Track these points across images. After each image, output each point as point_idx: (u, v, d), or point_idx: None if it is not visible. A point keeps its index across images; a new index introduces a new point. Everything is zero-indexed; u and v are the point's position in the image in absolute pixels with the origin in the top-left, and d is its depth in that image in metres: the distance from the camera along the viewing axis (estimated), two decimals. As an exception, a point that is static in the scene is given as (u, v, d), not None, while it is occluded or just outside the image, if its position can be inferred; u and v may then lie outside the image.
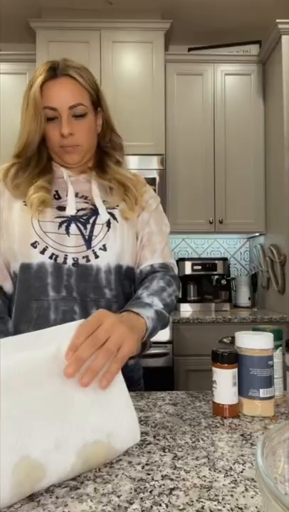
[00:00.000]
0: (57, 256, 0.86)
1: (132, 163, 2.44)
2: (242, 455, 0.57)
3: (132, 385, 0.96)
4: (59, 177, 0.96)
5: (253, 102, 2.64)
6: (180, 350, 2.22)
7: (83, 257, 0.87)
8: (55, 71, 0.88)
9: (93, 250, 0.88)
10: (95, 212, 0.91)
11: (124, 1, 2.54)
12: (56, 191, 0.94)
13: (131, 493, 0.48)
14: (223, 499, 0.46)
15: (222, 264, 2.63)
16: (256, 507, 0.45)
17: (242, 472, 0.52)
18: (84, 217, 0.90)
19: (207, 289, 2.63)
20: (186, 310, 2.57)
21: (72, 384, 0.53)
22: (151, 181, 2.44)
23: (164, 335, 2.17)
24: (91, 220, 0.90)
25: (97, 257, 0.88)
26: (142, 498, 0.46)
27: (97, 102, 0.94)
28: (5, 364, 0.48)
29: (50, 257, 0.86)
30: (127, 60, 2.54)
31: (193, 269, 2.60)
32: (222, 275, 2.61)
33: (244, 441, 0.62)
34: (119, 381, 0.58)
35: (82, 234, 0.88)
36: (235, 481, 0.50)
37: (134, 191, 0.96)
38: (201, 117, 2.62)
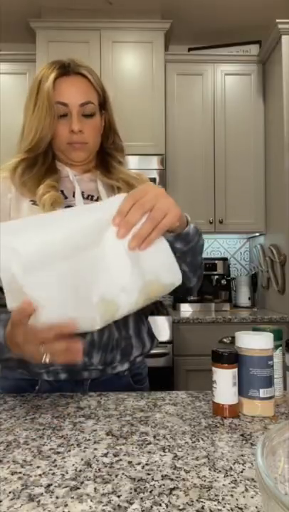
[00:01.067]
0: None
1: (132, 163, 2.44)
2: (242, 455, 0.57)
3: (140, 382, 0.97)
4: (64, 176, 0.96)
5: (253, 102, 2.64)
6: (180, 350, 2.22)
7: None
8: (66, 68, 0.90)
9: None
10: None
11: (124, 1, 2.54)
12: (62, 191, 0.94)
13: (131, 493, 0.48)
14: (223, 499, 0.46)
15: (222, 264, 2.63)
16: (256, 507, 0.45)
17: (242, 472, 0.52)
18: None
19: (207, 289, 2.63)
20: (186, 310, 2.57)
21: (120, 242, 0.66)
22: (151, 181, 2.44)
23: (164, 335, 2.17)
24: None
25: None
26: (142, 498, 0.46)
27: (103, 103, 0.96)
28: (62, 236, 0.61)
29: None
30: (127, 60, 2.54)
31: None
32: (222, 275, 2.61)
33: (244, 441, 0.62)
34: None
35: None
36: (235, 481, 0.50)
37: None
38: (201, 117, 2.62)
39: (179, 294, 0.98)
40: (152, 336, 0.99)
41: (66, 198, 0.92)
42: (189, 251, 0.83)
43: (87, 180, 0.97)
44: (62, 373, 0.88)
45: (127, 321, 0.91)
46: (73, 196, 0.92)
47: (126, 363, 0.92)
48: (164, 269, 0.69)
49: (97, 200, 0.94)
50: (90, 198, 0.94)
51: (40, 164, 0.93)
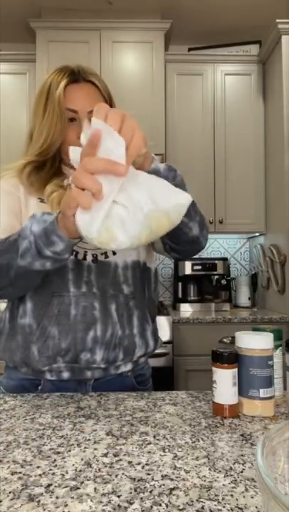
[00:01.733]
0: (77, 252, 0.89)
1: (132, 163, 2.44)
2: (242, 455, 0.57)
3: (143, 383, 0.98)
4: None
5: (253, 102, 2.64)
6: (180, 350, 2.22)
7: (102, 254, 0.90)
8: (76, 75, 0.92)
9: None
10: None
11: (124, 1, 2.54)
12: None
13: (131, 493, 0.48)
14: (223, 499, 0.46)
15: (222, 264, 2.63)
16: (256, 507, 0.45)
17: (242, 472, 0.52)
18: None
19: (207, 289, 2.63)
20: (186, 310, 2.57)
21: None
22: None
23: (164, 335, 2.17)
24: None
25: (114, 253, 0.91)
26: (142, 498, 0.46)
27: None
28: None
29: (71, 254, 0.86)
30: (127, 60, 2.54)
31: (193, 269, 2.60)
32: (222, 275, 2.61)
33: (244, 441, 0.62)
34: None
35: None
36: (235, 481, 0.50)
37: None
38: (201, 117, 2.62)
39: (189, 251, 0.92)
40: (156, 337, 0.99)
41: None
42: (196, 215, 0.83)
43: None
44: (65, 372, 0.88)
45: (132, 319, 0.92)
46: None
47: (129, 363, 0.93)
48: (160, 196, 0.63)
49: None
50: None
51: (49, 168, 0.94)
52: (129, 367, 0.93)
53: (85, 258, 0.89)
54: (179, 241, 0.87)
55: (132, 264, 0.93)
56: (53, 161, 0.94)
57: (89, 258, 0.89)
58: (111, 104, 0.97)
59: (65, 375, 0.88)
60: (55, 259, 0.72)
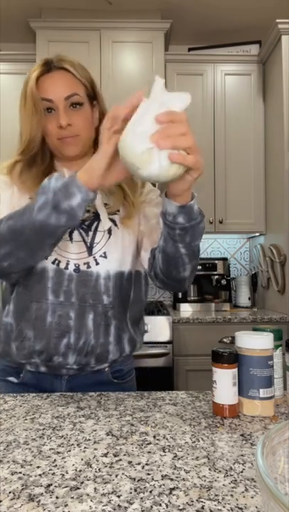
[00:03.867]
0: (60, 261, 0.89)
1: (132, 163, 2.44)
2: (242, 455, 0.57)
3: (120, 377, 0.98)
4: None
5: (253, 102, 2.64)
6: (180, 350, 2.22)
7: (84, 263, 0.90)
8: (49, 65, 0.90)
9: (94, 257, 0.90)
10: (96, 217, 0.93)
11: (124, 1, 2.54)
12: None
13: (131, 493, 0.48)
14: (223, 499, 0.46)
15: (222, 264, 2.63)
16: (256, 507, 0.45)
17: (242, 472, 0.52)
18: (86, 223, 0.92)
19: (207, 289, 2.63)
20: (186, 310, 2.57)
21: None
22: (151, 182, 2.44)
23: (164, 335, 2.17)
24: (93, 227, 0.92)
25: (97, 263, 0.90)
26: (142, 498, 0.46)
27: (92, 95, 0.94)
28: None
29: (53, 262, 0.89)
30: (127, 60, 2.54)
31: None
32: (222, 275, 2.61)
33: (244, 441, 0.62)
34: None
35: (84, 241, 0.91)
36: (235, 481, 0.50)
37: (130, 197, 0.96)
38: (201, 117, 2.62)
39: (171, 287, 0.94)
40: (134, 342, 0.98)
41: None
42: (190, 228, 0.81)
43: None
44: (42, 367, 0.91)
45: (108, 328, 0.92)
46: None
47: (103, 364, 0.94)
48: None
49: (91, 204, 0.93)
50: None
51: (39, 164, 0.93)
52: (103, 366, 0.94)
53: (67, 267, 0.89)
54: (169, 276, 0.88)
55: (114, 274, 0.92)
56: (43, 157, 0.93)
57: (71, 267, 0.89)
58: (94, 90, 0.95)
59: (42, 368, 0.92)
60: (70, 215, 0.73)
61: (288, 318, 2.25)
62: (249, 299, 2.68)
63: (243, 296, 2.68)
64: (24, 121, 0.90)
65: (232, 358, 0.72)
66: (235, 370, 0.72)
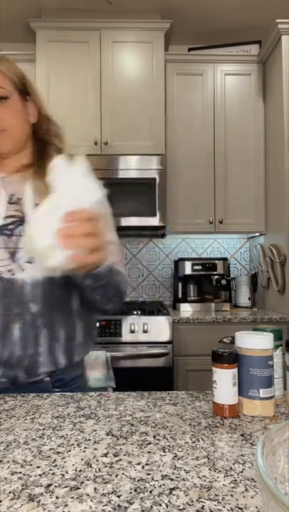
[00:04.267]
0: None
1: (132, 163, 2.44)
2: (242, 455, 0.57)
3: (62, 386, 0.93)
4: None
5: (253, 102, 2.64)
6: (180, 350, 2.22)
7: (8, 271, 0.85)
8: None
9: (18, 264, 0.86)
10: (22, 221, 0.88)
11: (124, 1, 2.54)
12: None
13: (131, 493, 0.48)
14: (223, 499, 0.46)
15: (222, 264, 2.63)
16: (256, 507, 0.45)
17: (242, 472, 0.52)
18: (9, 228, 0.87)
19: (207, 289, 2.63)
20: (186, 310, 2.57)
21: None
22: (151, 181, 2.44)
23: (164, 335, 2.17)
24: (17, 231, 0.87)
25: (22, 270, 0.86)
26: (141, 498, 0.46)
27: (23, 89, 0.93)
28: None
29: None
30: (127, 60, 2.54)
31: (193, 269, 2.60)
32: (222, 275, 2.61)
33: (244, 441, 0.62)
34: None
35: (6, 247, 0.86)
36: (235, 481, 0.50)
37: None
38: (201, 117, 2.62)
39: (96, 312, 0.98)
40: (70, 352, 0.92)
41: None
42: (99, 287, 0.81)
43: (17, 180, 0.92)
44: None
45: (38, 338, 0.88)
46: None
47: (35, 377, 0.89)
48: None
49: (20, 206, 0.90)
50: (16, 202, 0.90)
51: None
52: (35, 378, 0.89)
53: None
54: (94, 301, 0.88)
55: (44, 280, 0.87)
56: None
57: None
58: (24, 84, 0.94)
59: None
60: None
61: (288, 318, 2.25)
62: (249, 299, 2.68)
63: (243, 296, 2.68)
64: None
65: (232, 358, 0.72)
66: (236, 370, 0.72)
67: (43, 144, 0.96)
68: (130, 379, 2.02)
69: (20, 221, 0.88)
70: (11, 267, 0.85)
